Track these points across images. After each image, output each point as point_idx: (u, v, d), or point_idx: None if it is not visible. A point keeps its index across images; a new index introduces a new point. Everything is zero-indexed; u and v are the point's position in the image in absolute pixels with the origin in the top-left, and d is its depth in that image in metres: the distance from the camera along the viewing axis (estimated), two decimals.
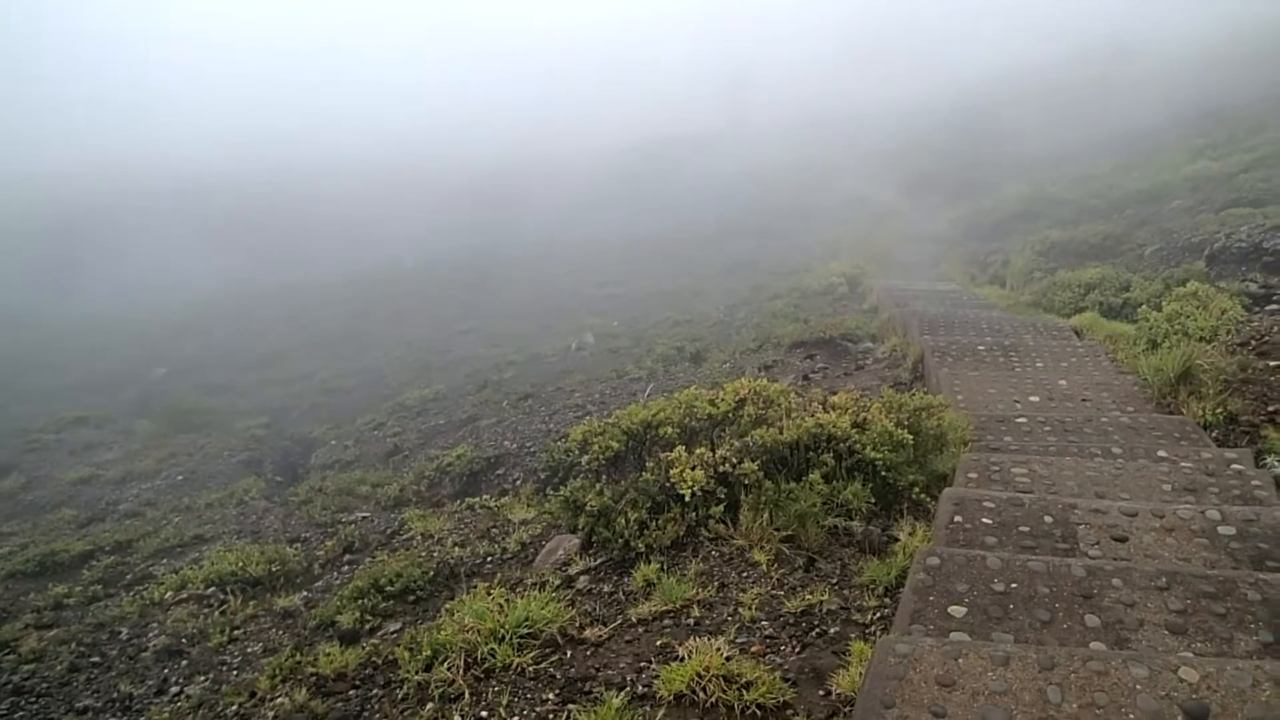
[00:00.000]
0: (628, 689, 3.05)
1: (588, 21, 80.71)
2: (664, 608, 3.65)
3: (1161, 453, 4.77)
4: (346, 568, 6.51)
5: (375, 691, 3.54)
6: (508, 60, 73.06)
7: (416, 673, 3.42)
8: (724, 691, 2.85)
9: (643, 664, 3.24)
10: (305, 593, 6.03)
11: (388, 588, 5.05)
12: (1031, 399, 6.36)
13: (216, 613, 5.74)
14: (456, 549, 5.81)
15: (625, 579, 4.12)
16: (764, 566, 3.91)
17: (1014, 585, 3.01)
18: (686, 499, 4.35)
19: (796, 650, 3.21)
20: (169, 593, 6.23)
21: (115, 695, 4.75)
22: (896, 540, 4.02)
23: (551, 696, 3.11)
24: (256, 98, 64.66)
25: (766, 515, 4.20)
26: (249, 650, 5.09)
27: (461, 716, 3.04)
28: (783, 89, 53.97)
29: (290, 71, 70.35)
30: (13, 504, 11.08)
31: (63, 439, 14.37)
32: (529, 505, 6.82)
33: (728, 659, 3.01)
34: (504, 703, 3.08)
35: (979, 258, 18.77)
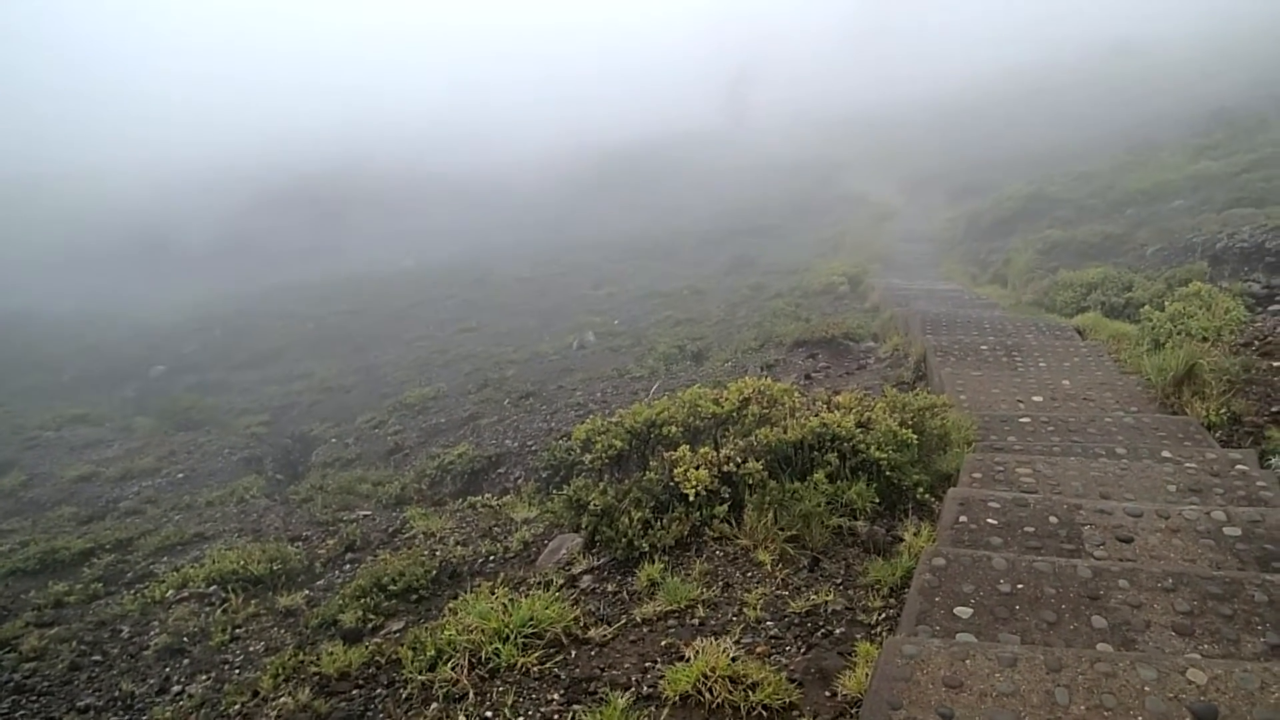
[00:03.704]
0: (633, 689, 3.04)
1: (587, 24, 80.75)
2: (668, 608, 3.64)
3: (1166, 453, 4.76)
4: (348, 566, 6.50)
5: (379, 691, 3.53)
6: (506, 63, 73.09)
7: (420, 672, 3.41)
8: (730, 692, 2.84)
9: (648, 664, 3.23)
10: (307, 591, 6.02)
11: (390, 586, 5.03)
12: (1035, 399, 6.35)
13: (218, 611, 5.73)
14: (459, 548, 5.80)
15: (629, 579, 4.11)
16: (768, 566, 3.91)
17: (1020, 586, 3.01)
18: (690, 498, 4.35)
19: (802, 651, 3.20)
20: (170, 591, 6.21)
21: (117, 694, 4.75)
22: (901, 540, 4.01)
23: (556, 697, 3.10)
24: (265, 105, 64.70)
25: (771, 515, 4.19)
26: (251, 649, 5.08)
27: (466, 717, 3.03)
28: (783, 88, 54.09)
29: (288, 79, 70.39)
30: (13, 501, 11.08)
31: (63, 436, 14.37)
32: (531, 504, 6.81)
33: (733, 659, 3.00)
34: (509, 703, 3.07)
35: (980, 257, 18.76)
